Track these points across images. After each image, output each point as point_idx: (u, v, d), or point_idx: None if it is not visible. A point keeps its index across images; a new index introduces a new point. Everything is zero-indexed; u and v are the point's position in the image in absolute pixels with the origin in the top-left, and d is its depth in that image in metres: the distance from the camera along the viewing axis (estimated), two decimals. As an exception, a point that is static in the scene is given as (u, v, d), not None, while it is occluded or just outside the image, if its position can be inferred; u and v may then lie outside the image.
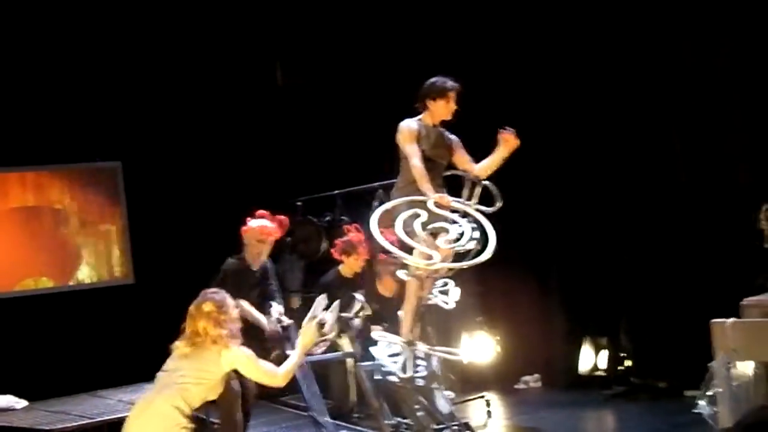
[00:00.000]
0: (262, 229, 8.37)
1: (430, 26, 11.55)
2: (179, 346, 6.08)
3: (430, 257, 6.82)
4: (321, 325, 6.38)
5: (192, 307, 6.12)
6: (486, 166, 7.34)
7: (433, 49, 10.97)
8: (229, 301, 6.21)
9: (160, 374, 6.06)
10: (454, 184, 7.51)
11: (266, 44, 12.51)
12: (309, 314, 6.38)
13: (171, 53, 12.17)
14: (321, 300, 6.50)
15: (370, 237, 7.80)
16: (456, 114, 7.44)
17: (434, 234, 7.02)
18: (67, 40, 11.64)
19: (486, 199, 7.31)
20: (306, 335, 6.33)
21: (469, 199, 7.23)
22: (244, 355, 6.11)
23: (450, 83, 7.39)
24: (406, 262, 7.04)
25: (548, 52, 11.08)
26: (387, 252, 7.50)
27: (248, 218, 8.50)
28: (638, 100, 10.52)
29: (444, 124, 7.53)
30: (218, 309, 6.09)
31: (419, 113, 7.44)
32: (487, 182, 7.33)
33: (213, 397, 6.15)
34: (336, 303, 6.49)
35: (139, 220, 12.40)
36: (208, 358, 5.98)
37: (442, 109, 7.36)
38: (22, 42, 11.44)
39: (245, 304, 8.05)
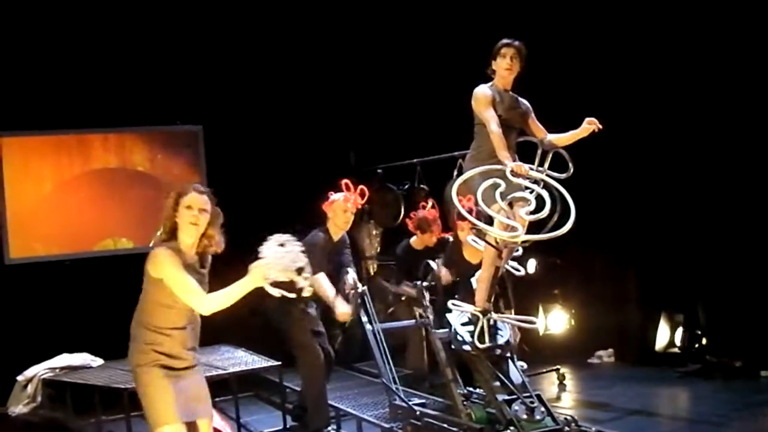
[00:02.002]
0: (346, 198, 8.42)
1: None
2: None
3: (511, 228, 6.74)
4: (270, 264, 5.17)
5: None
6: (558, 138, 7.24)
7: (520, 19, 10.83)
8: (191, 198, 5.44)
9: None
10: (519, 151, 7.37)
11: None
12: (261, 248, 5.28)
13: (251, 17, 12.20)
14: (279, 237, 5.29)
15: (450, 206, 7.71)
16: (519, 75, 7.29)
17: (511, 204, 6.87)
18: (151, 4, 11.74)
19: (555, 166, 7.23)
20: (253, 275, 5.20)
21: (541, 166, 7.11)
22: (164, 253, 5.35)
23: (504, 41, 7.27)
24: (489, 233, 6.96)
25: (630, 25, 10.94)
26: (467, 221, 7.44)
27: (330, 192, 8.54)
28: (723, 72, 10.33)
29: (518, 91, 7.43)
30: (172, 197, 5.47)
31: (492, 80, 7.37)
32: (559, 149, 7.21)
33: (168, 301, 5.49)
34: (295, 242, 5.25)
35: (218, 184, 12.39)
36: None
37: (500, 69, 7.25)
38: (108, 5, 11.54)
39: (323, 280, 8.14)
